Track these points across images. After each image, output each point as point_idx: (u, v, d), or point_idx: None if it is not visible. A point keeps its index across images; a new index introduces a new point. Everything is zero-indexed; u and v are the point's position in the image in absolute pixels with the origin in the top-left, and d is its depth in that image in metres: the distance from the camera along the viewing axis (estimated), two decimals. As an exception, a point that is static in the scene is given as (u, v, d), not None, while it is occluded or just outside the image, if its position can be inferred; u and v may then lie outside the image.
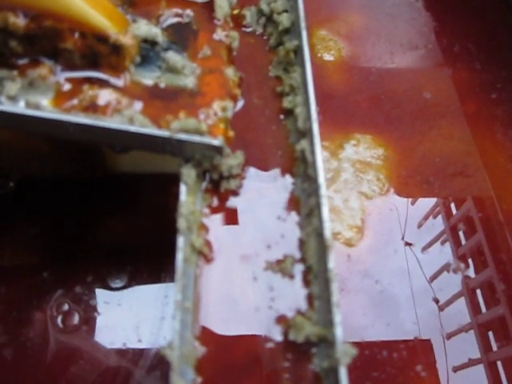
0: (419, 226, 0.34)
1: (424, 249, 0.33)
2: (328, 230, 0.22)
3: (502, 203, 0.35)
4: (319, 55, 0.41)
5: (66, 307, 0.27)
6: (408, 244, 0.33)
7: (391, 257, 0.32)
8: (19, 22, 0.20)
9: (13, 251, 0.30)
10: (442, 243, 0.33)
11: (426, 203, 0.35)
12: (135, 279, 0.29)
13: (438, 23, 0.45)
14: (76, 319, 0.27)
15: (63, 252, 0.30)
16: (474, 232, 0.34)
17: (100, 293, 0.28)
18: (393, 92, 0.40)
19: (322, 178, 0.23)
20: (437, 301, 0.31)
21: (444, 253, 0.33)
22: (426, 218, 0.34)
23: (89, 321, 0.27)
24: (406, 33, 0.44)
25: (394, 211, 0.34)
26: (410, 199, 0.35)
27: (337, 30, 0.42)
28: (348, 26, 0.43)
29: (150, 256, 0.30)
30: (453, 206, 0.35)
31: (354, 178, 0.35)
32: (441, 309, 0.30)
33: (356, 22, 0.44)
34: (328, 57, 0.41)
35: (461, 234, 0.34)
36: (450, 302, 0.31)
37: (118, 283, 0.29)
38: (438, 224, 0.34)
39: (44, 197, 0.33)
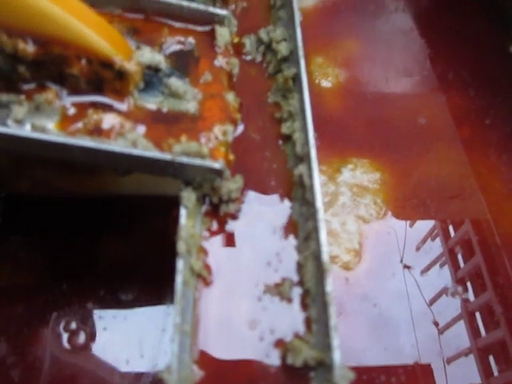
0: (417, 248, 0.34)
1: (422, 272, 0.33)
2: (326, 253, 0.23)
3: (498, 226, 0.36)
4: (317, 81, 0.42)
5: (73, 325, 0.28)
6: (406, 267, 0.33)
7: (389, 280, 0.32)
8: (28, 48, 0.20)
9: (11, 271, 0.30)
10: (441, 266, 0.33)
11: (424, 226, 0.35)
12: (134, 301, 0.29)
13: (433, 51, 0.46)
14: (82, 338, 0.27)
15: (62, 272, 0.30)
16: (472, 255, 0.34)
17: (101, 312, 0.29)
18: (389, 117, 0.40)
19: (319, 203, 0.24)
20: (436, 324, 0.31)
21: (443, 276, 0.33)
22: (423, 240, 0.34)
23: (92, 340, 0.27)
24: (401, 60, 0.45)
25: (391, 234, 0.34)
26: (408, 222, 0.35)
27: (334, 57, 0.44)
28: (345, 53, 0.44)
29: (149, 278, 0.30)
30: (450, 228, 0.35)
31: (351, 202, 0.35)
32: (440, 332, 0.30)
33: (353, 50, 0.45)
34: (325, 83, 0.42)
35: (459, 256, 0.34)
36: (449, 325, 0.31)
37: (115, 304, 0.29)
38: (436, 247, 0.34)
39: (43, 216, 0.33)
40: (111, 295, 0.29)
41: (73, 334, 0.27)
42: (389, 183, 0.37)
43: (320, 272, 0.23)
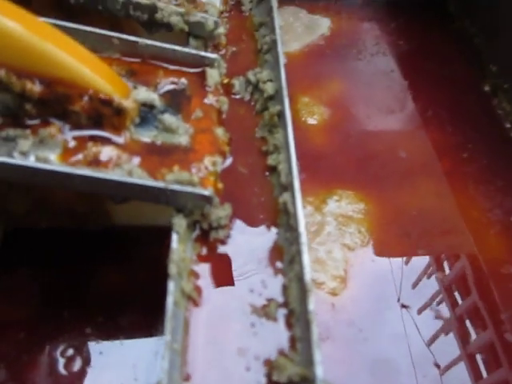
0: (402, 275, 0.35)
1: (409, 299, 0.34)
2: (308, 274, 0.24)
3: (480, 252, 0.37)
4: (303, 119, 0.45)
5: (70, 351, 0.28)
6: (404, 306, 0.34)
7: (375, 304, 0.34)
8: (35, 88, 0.23)
9: (11, 299, 0.31)
10: (432, 299, 0.35)
11: (407, 252, 0.37)
12: (130, 326, 0.30)
13: (412, 90, 0.49)
14: (78, 363, 0.28)
15: (62, 300, 0.31)
16: (463, 284, 0.35)
17: (98, 338, 0.29)
18: (372, 151, 0.43)
19: (302, 227, 0.26)
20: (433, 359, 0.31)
21: (426, 299, 0.34)
22: (406, 263, 0.36)
23: (88, 365, 0.28)
24: (382, 99, 0.48)
25: (375, 262, 0.36)
26: (391, 250, 0.37)
27: (319, 97, 0.46)
28: (329, 93, 0.47)
29: (144, 304, 0.31)
30: (432, 256, 0.37)
31: (337, 231, 0.37)
32: (442, 373, 0.31)
33: (337, 90, 0.48)
34: (311, 120, 0.45)
35: (436, 280, 0.35)
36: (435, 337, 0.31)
37: (113, 330, 0.30)
38: (419, 273, 0.36)
39: (40, 249, 0.34)
40: (109, 321, 0.30)
41: (70, 360, 0.28)
42: (372, 213, 0.38)
43: (303, 292, 0.24)
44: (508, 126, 0.46)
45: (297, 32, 0.53)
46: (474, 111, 0.48)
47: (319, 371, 0.21)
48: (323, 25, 0.55)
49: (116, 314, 0.31)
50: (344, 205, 0.39)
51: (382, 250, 0.36)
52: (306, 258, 0.25)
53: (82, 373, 0.28)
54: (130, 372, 0.28)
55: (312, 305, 0.23)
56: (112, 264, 0.34)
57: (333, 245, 0.36)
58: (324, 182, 0.40)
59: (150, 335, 0.30)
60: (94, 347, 0.29)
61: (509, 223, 0.39)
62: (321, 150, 0.43)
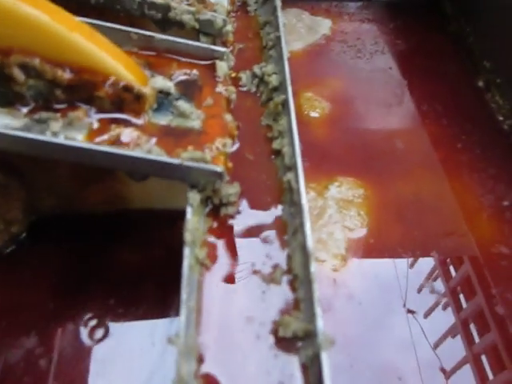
0: (395, 252, 0.38)
1: (408, 269, 0.37)
2: (310, 241, 0.27)
3: (473, 235, 0.39)
4: (306, 112, 0.47)
5: (94, 320, 0.31)
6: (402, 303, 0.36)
7: (373, 280, 0.36)
8: (65, 75, 0.26)
9: (40, 274, 0.34)
10: (429, 277, 0.37)
11: (402, 235, 0.39)
12: (150, 297, 0.33)
13: (409, 86, 0.52)
14: (102, 330, 0.31)
15: (88, 275, 0.34)
16: (445, 266, 0.38)
17: (120, 308, 0.32)
18: (370, 142, 0.45)
19: (304, 201, 0.28)
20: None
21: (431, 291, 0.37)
22: (401, 245, 0.38)
23: (110, 332, 0.31)
24: (380, 94, 0.50)
25: (373, 242, 0.38)
26: (388, 231, 0.39)
27: (321, 92, 0.49)
28: (330, 88, 0.50)
29: (161, 279, 0.34)
30: (427, 236, 0.39)
31: (337, 214, 0.40)
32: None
33: (337, 86, 0.51)
34: (313, 114, 0.47)
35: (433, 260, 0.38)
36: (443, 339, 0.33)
37: (134, 301, 0.32)
38: (414, 251, 0.38)
39: (60, 231, 0.37)
40: (130, 293, 0.33)
41: (94, 328, 0.31)
42: (371, 197, 0.41)
43: (305, 257, 0.26)
44: (500, 118, 0.49)
45: (300, 32, 0.56)
46: (468, 105, 0.50)
47: (320, 324, 0.24)
48: (325, 25, 0.58)
49: (135, 288, 0.34)
50: (344, 190, 0.41)
51: (379, 231, 0.39)
52: (308, 228, 0.27)
53: (105, 339, 0.31)
54: (148, 338, 0.31)
55: (313, 267, 0.26)
56: (130, 245, 0.37)
57: (334, 226, 0.39)
58: (325, 169, 0.43)
59: (166, 306, 0.32)
60: (116, 316, 0.32)
61: (500, 207, 0.42)
62: (322, 140, 0.45)
